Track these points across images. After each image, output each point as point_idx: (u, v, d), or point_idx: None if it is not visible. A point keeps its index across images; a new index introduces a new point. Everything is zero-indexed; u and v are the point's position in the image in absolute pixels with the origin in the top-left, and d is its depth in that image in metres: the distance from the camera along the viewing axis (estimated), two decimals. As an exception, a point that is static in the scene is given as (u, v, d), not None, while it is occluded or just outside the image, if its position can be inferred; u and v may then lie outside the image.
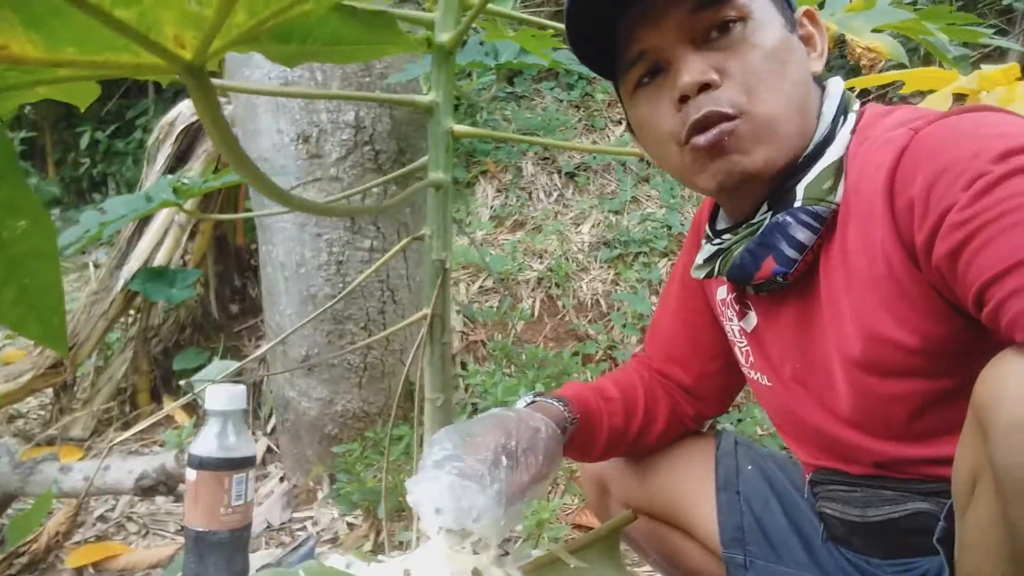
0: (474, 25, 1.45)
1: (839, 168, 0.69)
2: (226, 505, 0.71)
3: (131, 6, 0.28)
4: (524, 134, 3.45)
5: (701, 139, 0.69)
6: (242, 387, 0.75)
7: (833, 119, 0.71)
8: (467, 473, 0.67)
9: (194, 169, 2.45)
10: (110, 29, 0.29)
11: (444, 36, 1.00)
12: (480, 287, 2.60)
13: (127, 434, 1.85)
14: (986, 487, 0.50)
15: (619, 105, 3.30)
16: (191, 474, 0.72)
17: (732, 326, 0.86)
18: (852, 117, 0.72)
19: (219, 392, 0.73)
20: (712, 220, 0.82)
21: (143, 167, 2.60)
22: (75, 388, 2.32)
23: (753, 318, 0.81)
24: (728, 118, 0.68)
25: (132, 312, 2.43)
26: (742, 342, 0.85)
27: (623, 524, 0.89)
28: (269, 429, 2.26)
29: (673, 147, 0.72)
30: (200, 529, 0.71)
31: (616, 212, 3.01)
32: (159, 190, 1.50)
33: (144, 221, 2.42)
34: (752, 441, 1.02)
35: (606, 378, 0.96)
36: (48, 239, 0.35)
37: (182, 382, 2.33)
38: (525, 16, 1.13)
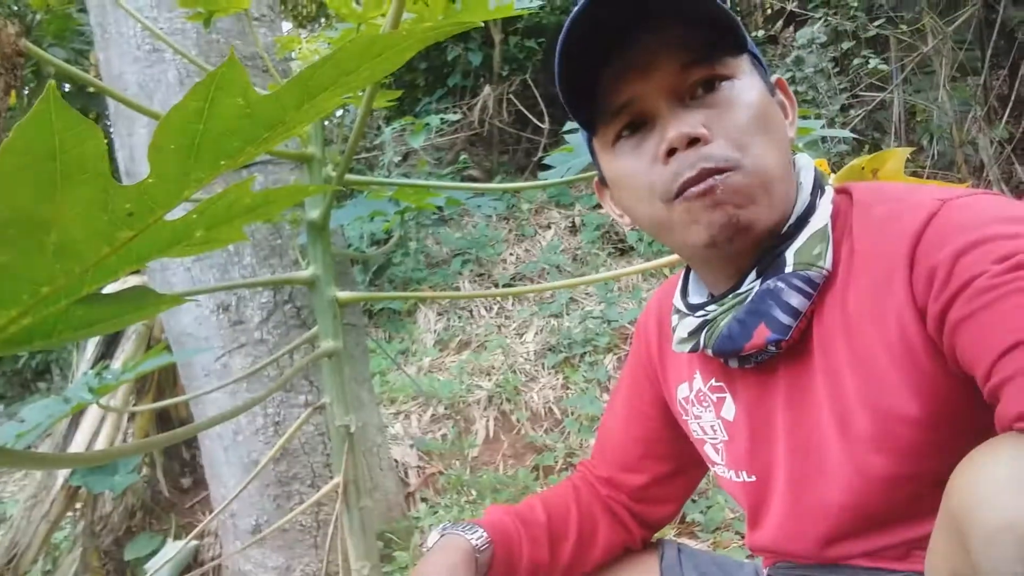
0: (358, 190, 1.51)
1: (824, 236, 0.68)
2: None
3: None
4: (457, 254, 3.53)
5: (696, 189, 0.66)
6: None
7: (812, 190, 0.71)
8: None
9: (126, 351, 2.44)
10: None
11: (314, 213, 1.04)
12: (431, 416, 2.58)
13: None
14: None
15: (544, 212, 3.35)
16: None
17: (702, 422, 0.83)
18: (829, 190, 0.72)
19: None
20: (683, 296, 0.80)
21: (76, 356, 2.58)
22: (21, 601, 2.20)
23: (732, 406, 0.79)
24: (720, 171, 0.66)
25: (78, 507, 2.34)
26: (715, 438, 0.82)
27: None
28: (232, 607, 2.15)
29: (657, 203, 0.70)
30: None
31: (556, 316, 3.06)
32: (76, 391, 1.49)
33: (78, 413, 2.38)
34: (695, 548, 1.00)
35: (537, 499, 0.93)
36: None
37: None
38: (391, 181, 1.19)
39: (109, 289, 0.40)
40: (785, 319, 0.69)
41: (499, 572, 0.84)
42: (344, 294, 1.06)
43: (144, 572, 2.22)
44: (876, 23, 3.15)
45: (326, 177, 1.06)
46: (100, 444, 2.33)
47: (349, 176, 1.06)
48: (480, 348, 2.95)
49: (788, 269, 0.69)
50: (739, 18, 0.73)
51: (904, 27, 3.07)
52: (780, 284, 0.69)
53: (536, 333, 2.99)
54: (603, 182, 0.80)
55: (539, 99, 3.92)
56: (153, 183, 0.28)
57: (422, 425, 2.56)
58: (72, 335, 0.38)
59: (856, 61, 3.15)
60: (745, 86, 0.69)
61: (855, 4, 3.12)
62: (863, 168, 1.09)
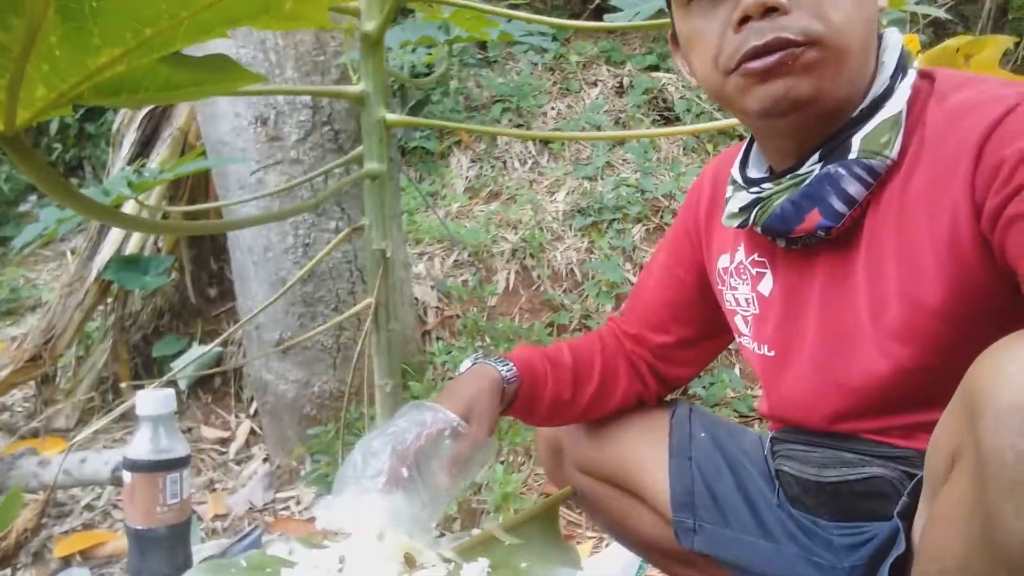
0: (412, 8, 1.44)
1: (896, 123, 0.66)
2: (162, 504, 0.74)
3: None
4: (497, 101, 3.42)
5: (756, 64, 0.65)
6: (171, 391, 0.77)
7: (893, 72, 0.68)
8: (360, 491, 0.71)
9: (161, 154, 2.44)
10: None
11: (370, 25, 0.99)
12: (455, 261, 2.61)
13: (107, 421, 1.88)
14: (965, 469, 0.50)
15: (593, 67, 3.22)
16: (127, 476, 0.75)
17: (738, 294, 0.84)
18: (912, 73, 0.69)
19: (148, 398, 0.75)
20: (743, 166, 0.79)
21: (111, 156, 2.59)
22: (57, 380, 2.34)
23: (770, 282, 0.80)
24: (795, 44, 0.63)
25: (109, 301, 2.44)
26: (747, 311, 0.83)
27: (561, 500, 0.92)
28: (252, 411, 2.29)
29: (718, 72, 0.68)
30: (139, 527, 0.74)
31: (591, 179, 3.00)
32: (116, 184, 1.50)
33: (116, 207, 2.42)
34: (707, 410, 1.04)
35: (565, 344, 0.96)
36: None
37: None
38: (455, 1, 1.12)
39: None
40: (840, 206, 0.68)
41: (523, 404, 0.88)
42: (392, 116, 1.03)
43: (170, 369, 2.34)
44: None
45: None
46: (131, 245, 2.39)
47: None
48: (510, 200, 2.93)
49: (852, 155, 0.67)
50: None
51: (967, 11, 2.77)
52: (841, 170, 0.67)
53: (567, 193, 2.95)
54: (675, 38, 0.77)
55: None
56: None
57: (444, 268, 2.59)
58: (155, 95, 0.37)
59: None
60: None
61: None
62: (956, 51, 1.02)
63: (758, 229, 0.74)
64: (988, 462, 0.47)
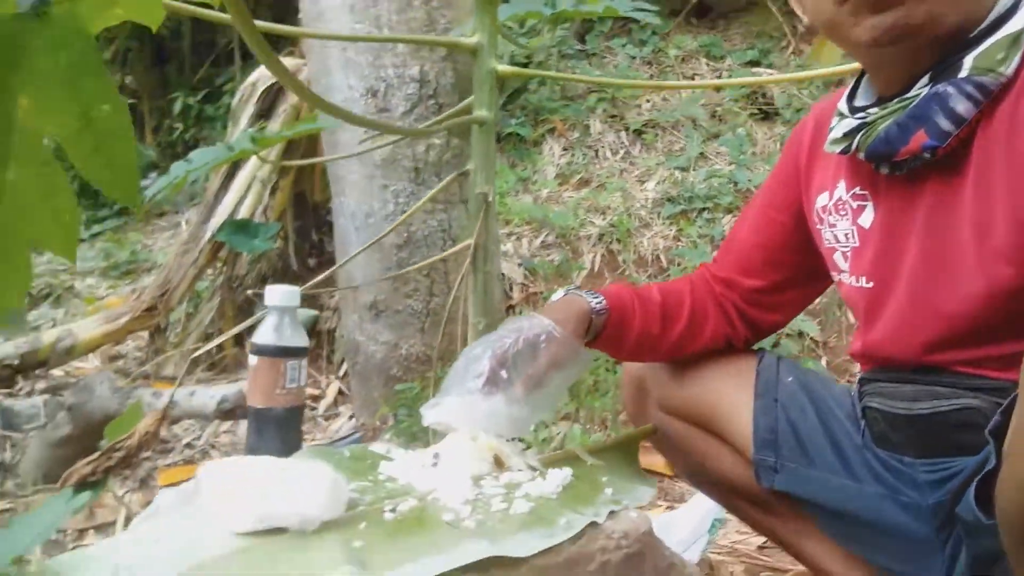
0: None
1: (1016, 40, 0.65)
2: (281, 387, 0.81)
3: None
4: (592, 91, 3.46)
5: None
6: (296, 288, 0.85)
7: None
8: (463, 392, 0.77)
9: (275, 127, 2.59)
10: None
11: (487, -21, 1.05)
12: (542, 242, 2.66)
13: (211, 374, 2.02)
14: None
15: (692, 61, 3.22)
16: (252, 360, 0.83)
17: (836, 230, 0.84)
18: None
19: (276, 290, 0.83)
20: (851, 97, 0.79)
21: (229, 129, 2.78)
22: (168, 332, 2.52)
23: (871, 213, 0.79)
24: None
25: (218, 264, 2.61)
26: (846, 245, 0.83)
27: (643, 436, 0.94)
28: (341, 373, 2.40)
29: (830, 3, 0.69)
30: (259, 407, 0.82)
31: (683, 169, 2.99)
32: (240, 141, 1.62)
33: (229, 178, 2.59)
34: (795, 360, 1.03)
35: (656, 285, 0.98)
36: (124, 119, 0.44)
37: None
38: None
39: None
40: (946, 125, 0.66)
41: (611, 336, 0.91)
42: (504, 67, 1.09)
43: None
44: None
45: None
46: (242, 213, 2.55)
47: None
48: (600, 188, 2.95)
49: (963, 74, 0.66)
50: None
51: None
52: (950, 89, 0.66)
53: (658, 183, 2.95)
54: None
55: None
56: None
57: (532, 248, 2.64)
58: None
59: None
60: None
61: None
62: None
63: (861, 155, 0.74)
64: None
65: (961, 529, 0.70)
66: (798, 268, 0.93)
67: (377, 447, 0.85)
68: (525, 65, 3.49)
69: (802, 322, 2.16)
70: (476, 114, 1.08)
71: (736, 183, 2.83)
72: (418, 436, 1.78)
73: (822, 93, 3.27)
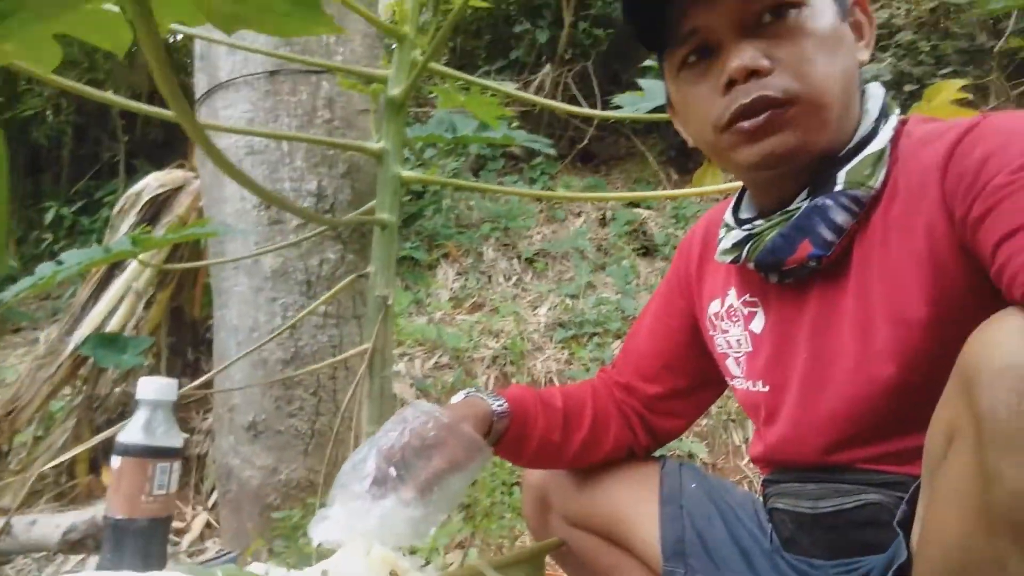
0: (432, 95, 1.55)
1: (880, 158, 0.71)
2: (147, 493, 0.71)
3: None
4: (486, 221, 3.57)
5: (747, 124, 0.70)
6: (174, 380, 0.76)
7: (876, 118, 0.73)
8: (349, 499, 0.71)
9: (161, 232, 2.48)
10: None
11: (395, 90, 1.08)
12: (435, 363, 2.61)
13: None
14: (963, 439, 0.51)
15: (577, 201, 3.39)
16: (116, 461, 0.73)
17: (729, 336, 0.86)
18: (893, 119, 0.74)
19: (150, 383, 0.74)
20: (735, 210, 0.83)
21: (105, 241, 2.63)
22: (10, 457, 2.24)
23: (762, 319, 0.82)
24: (778, 103, 0.69)
25: (78, 382, 2.38)
26: (739, 351, 0.85)
27: (549, 549, 0.89)
28: (210, 504, 2.19)
29: (712, 131, 0.73)
30: (120, 517, 0.71)
31: (573, 296, 3.09)
32: (118, 243, 1.53)
33: (101, 287, 2.42)
34: (696, 465, 1.02)
35: (558, 389, 0.97)
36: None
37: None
38: (471, 78, 1.23)
39: None
40: (828, 235, 0.71)
41: (512, 441, 0.88)
42: (407, 173, 1.09)
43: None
44: (942, 72, 3.18)
45: (413, 60, 1.09)
46: (114, 323, 2.38)
47: (433, 65, 1.10)
48: (493, 312, 2.98)
49: (838, 188, 0.71)
50: None
51: (970, 79, 3.10)
52: (828, 201, 0.71)
53: (550, 308, 3.02)
54: (671, 104, 0.84)
55: (596, 89, 3.96)
56: None
57: (425, 369, 2.59)
58: (252, 16, 0.41)
59: (915, 103, 3.19)
60: (814, 13, 0.70)
61: (926, 50, 3.15)
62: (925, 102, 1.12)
63: (751, 264, 0.78)
64: (985, 424, 0.48)
65: (877, 629, 0.69)
66: (695, 373, 0.95)
67: (255, 568, 0.76)
68: (420, 195, 3.58)
69: (691, 444, 2.19)
70: (379, 216, 1.07)
71: (623, 311, 2.94)
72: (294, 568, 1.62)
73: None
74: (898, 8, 3.70)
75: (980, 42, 3.55)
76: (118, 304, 2.38)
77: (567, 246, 3.43)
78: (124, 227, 2.52)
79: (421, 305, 3.07)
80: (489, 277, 3.23)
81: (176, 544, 2.03)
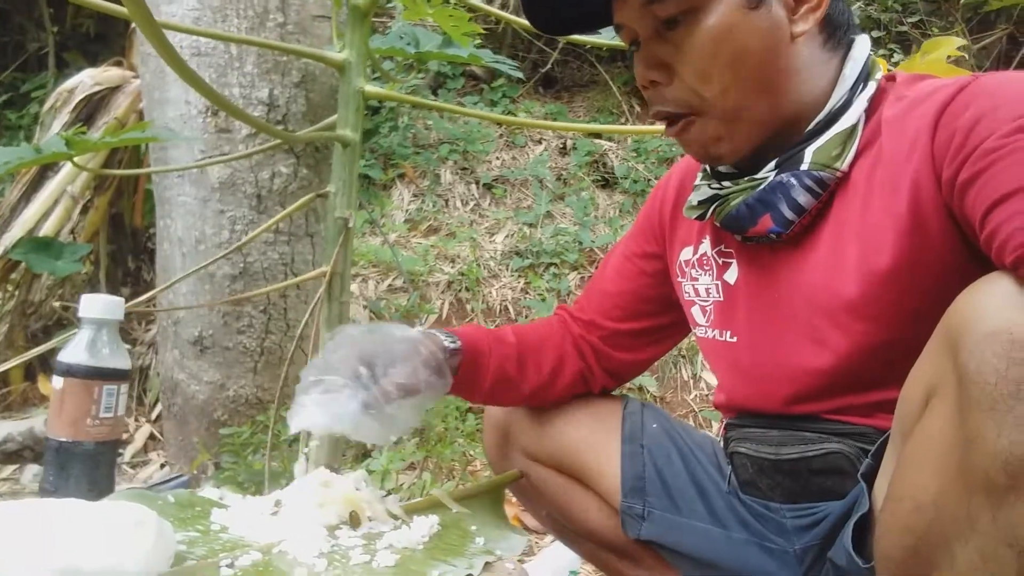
0: (391, 3, 1.45)
1: (850, 135, 0.70)
2: (93, 416, 0.67)
3: None
4: (444, 142, 3.47)
5: (668, 130, 0.73)
6: (120, 299, 0.71)
7: (852, 84, 0.71)
8: (329, 390, 0.70)
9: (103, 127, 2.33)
10: None
11: (362, -4, 1.00)
12: (389, 286, 2.57)
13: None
14: (943, 400, 0.51)
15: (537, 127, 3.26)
16: (57, 381, 0.68)
17: (698, 284, 0.86)
18: (872, 85, 0.72)
19: (94, 300, 0.69)
20: None
21: (35, 139, 2.46)
22: (-64, 361, 2.13)
23: (735, 271, 0.81)
24: (678, 117, 0.71)
25: (9, 287, 2.26)
26: (707, 300, 0.85)
27: (509, 481, 0.89)
28: (153, 416, 2.14)
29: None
30: (63, 439, 0.67)
31: (531, 225, 3.05)
32: (51, 144, 1.42)
33: (32, 189, 2.28)
34: (659, 407, 1.03)
35: (511, 327, 0.96)
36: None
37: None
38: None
39: None
40: (789, 214, 0.72)
41: (465, 378, 0.87)
42: (370, 88, 1.03)
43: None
44: (910, 20, 3.16)
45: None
46: (48, 227, 2.25)
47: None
48: (449, 236, 2.93)
49: (804, 166, 0.71)
50: None
51: (935, 31, 3.10)
52: (792, 180, 0.71)
53: (507, 236, 2.99)
54: None
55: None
56: None
57: (378, 291, 2.55)
58: None
59: (881, 52, 3.18)
60: (711, 15, 0.68)
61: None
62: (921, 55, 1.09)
63: (717, 223, 0.78)
64: (970, 386, 0.48)
65: (832, 573, 0.70)
66: (658, 317, 0.94)
67: (208, 492, 0.73)
68: (376, 111, 3.44)
69: (642, 377, 2.23)
70: (340, 133, 1.00)
71: (581, 242, 2.92)
72: (244, 487, 1.60)
73: (658, 167, 3.50)
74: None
75: (948, -8, 3.55)
76: (52, 207, 2.25)
77: (527, 174, 3.37)
78: (56, 126, 2.35)
79: (375, 225, 3.00)
80: (446, 201, 3.16)
81: (119, 456, 1.99)
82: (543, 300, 2.58)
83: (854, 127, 0.70)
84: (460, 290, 2.59)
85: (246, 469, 1.58)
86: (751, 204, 0.73)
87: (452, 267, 2.70)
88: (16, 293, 2.23)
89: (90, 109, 2.42)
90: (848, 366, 0.71)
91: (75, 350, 0.69)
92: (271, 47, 1.70)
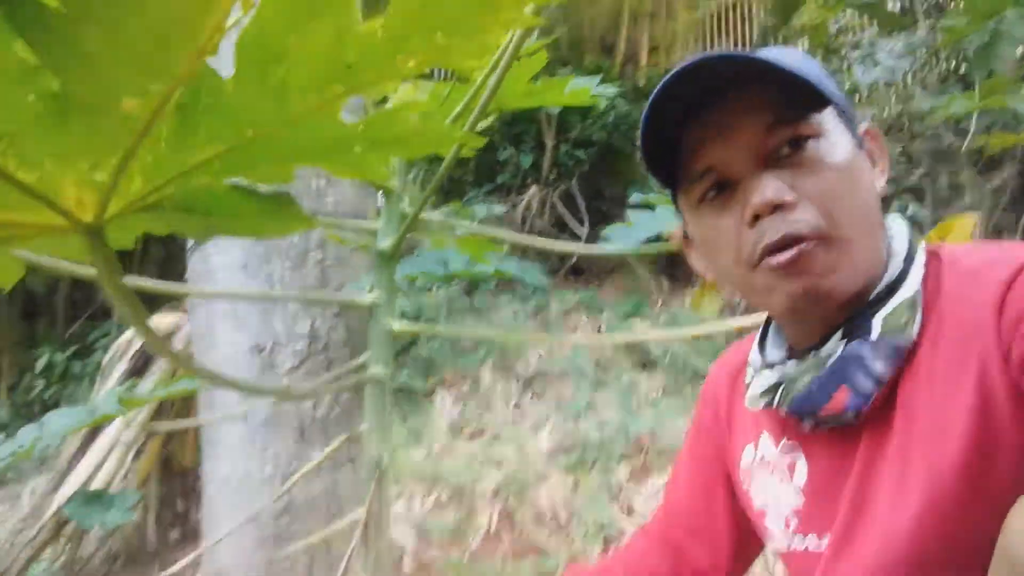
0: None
1: (913, 304, 0.67)
2: None
3: (33, 170, 0.32)
4: (482, 345, 3.54)
5: (778, 259, 0.66)
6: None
7: (904, 259, 0.69)
8: None
9: (147, 385, 2.43)
10: (15, 191, 0.32)
11: (385, 243, 1.07)
12: (436, 501, 2.51)
13: None
14: None
15: (572, 315, 3.37)
16: None
17: (769, 493, 0.80)
18: (921, 255, 0.70)
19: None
20: (760, 349, 0.78)
21: (96, 388, 2.58)
22: (-15, 631, 2.09)
23: (804, 467, 0.76)
24: (805, 239, 0.66)
25: (61, 541, 2.27)
26: (779, 507, 0.79)
27: None
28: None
29: (741, 267, 0.69)
30: None
31: (574, 418, 3.02)
32: (104, 403, 1.48)
33: (88, 441, 2.35)
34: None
35: (618, 561, 0.91)
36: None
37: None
38: (460, 223, 1.23)
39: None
40: (867, 386, 0.67)
41: None
42: (399, 326, 1.07)
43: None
44: (917, 171, 3.27)
45: (402, 212, 1.09)
46: (100, 480, 2.29)
47: (423, 216, 1.10)
48: (493, 439, 2.90)
49: (874, 336, 0.68)
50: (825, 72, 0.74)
51: (944, 180, 3.19)
52: (865, 350, 0.67)
53: (551, 432, 2.94)
54: (687, 237, 0.81)
55: (580, 207, 4.05)
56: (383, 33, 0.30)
57: (424, 509, 2.48)
58: (223, 222, 0.39)
59: (896, 204, 3.26)
60: (832, 144, 0.68)
61: (897, 151, 3.26)
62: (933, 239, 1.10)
63: (783, 411, 0.73)
64: None
65: None
66: (738, 535, 0.89)
67: None
68: (416, 319, 3.57)
69: None
70: (371, 371, 1.03)
71: (626, 430, 2.86)
72: None
73: (697, 345, 3.50)
74: (864, 115, 3.86)
75: (948, 142, 3.69)
76: (106, 457, 2.30)
77: (565, 364, 3.39)
78: (115, 375, 2.48)
79: (419, 436, 2.99)
80: (488, 402, 3.17)
81: None
82: (594, 500, 2.48)
83: (915, 296, 0.68)
84: (508, 497, 2.51)
85: None
86: (823, 380, 0.68)
87: (498, 471, 2.64)
88: (67, 548, 2.23)
89: (146, 357, 2.55)
90: (911, 564, 0.65)
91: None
92: (302, 300, 1.82)
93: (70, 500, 2.14)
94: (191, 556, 1.22)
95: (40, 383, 3.96)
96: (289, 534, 1.87)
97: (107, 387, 2.41)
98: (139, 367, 2.49)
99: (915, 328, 0.68)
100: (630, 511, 2.49)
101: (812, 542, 0.75)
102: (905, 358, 0.68)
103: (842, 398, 0.68)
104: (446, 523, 2.37)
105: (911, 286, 0.69)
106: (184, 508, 2.60)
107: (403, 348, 3.34)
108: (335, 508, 1.91)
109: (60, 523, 2.18)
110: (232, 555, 1.86)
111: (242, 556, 1.85)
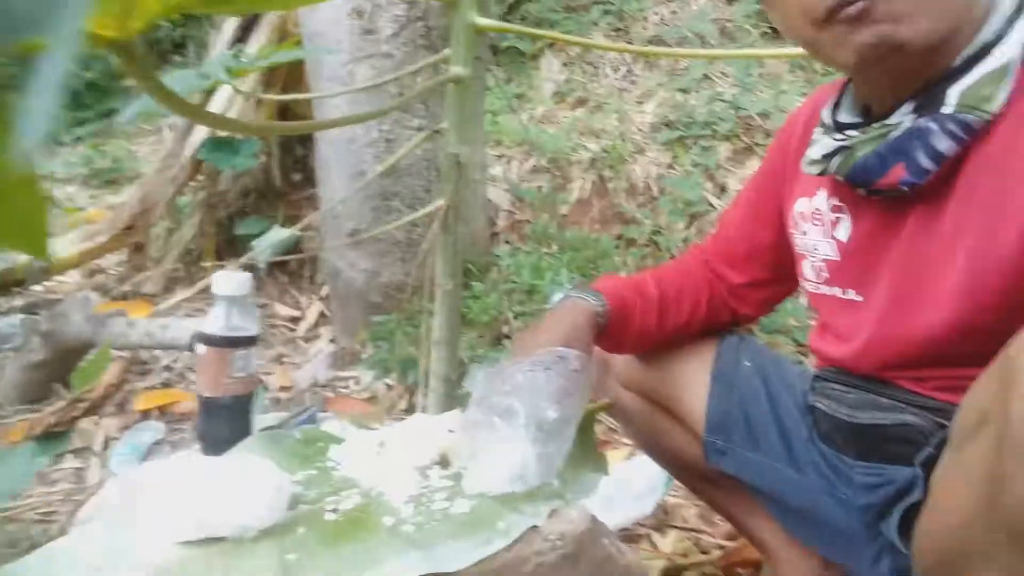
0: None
1: (1003, 74, 0.61)
2: (229, 376, 0.81)
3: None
4: (596, 2, 3.29)
5: (847, 11, 0.61)
6: (247, 274, 0.83)
7: (1009, 17, 0.62)
8: (502, 440, 0.69)
9: (259, 39, 2.48)
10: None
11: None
12: (533, 166, 2.60)
13: (191, 291, 2.02)
14: (990, 431, 0.50)
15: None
16: (200, 348, 0.82)
17: (807, 239, 0.82)
18: None
19: (225, 279, 0.81)
20: (834, 109, 0.76)
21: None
22: (148, 248, 2.50)
23: (848, 227, 0.77)
24: None
25: (200, 178, 2.56)
26: (816, 255, 0.81)
27: (599, 411, 0.95)
28: (323, 294, 2.40)
29: (808, 25, 0.65)
30: (206, 395, 0.82)
31: (684, 91, 2.89)
32: (214, 68, 1.55)
33: (210, 91, 2.50)
34: (757, 340, 1.03)
35: (653, 275, 0.97)
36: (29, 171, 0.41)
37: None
38: None
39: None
40: (926, 163, 0.64)
41: (612, 335, 0.90)
42: (483, 21, 1.02)
43: (251, 248, 2.47)
44: None
45: None
46: (225, 124, 2.48)
47: None
48: (596, 108, 2.86)
49: (947, 109, 0.62)
50: None
51: None
52: (932, 125, 0.63)
53: (658, 105, 2.86)
54: None
55: None
56: None
57: (521, 173, 2.59)
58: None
59: None
60: None
61: None
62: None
63: (839, 178, 0.72)
64: (1010, 429, 0.46)
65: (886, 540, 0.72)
66: (778, 269, 0.92)
67: (331, 424, 0.86)
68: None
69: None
70: (452, 71, 1.02)
71: (738, 108, 2.74)
72: (391, 369, 1.82)
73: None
74: None
75: None
76: (229, 107, 2.46)
77: (687, 30, 3.13)
78: (228, 25, 2.52)
79: (522, 100, 2.98)
80: (596, 68, 3.05)
81: (292, 330, 2.28)
82: (689, 176, 2.49)
83: (1006, 65, 0.61)
84: (603, 168, 2.56)
85: (394, 354, 1.78)
86: (882, 153, 0.66)
87: (596, 143, 2.65)
88: (205, 185, 2.52)
89: (247, 22, 2.55)
90: (946, 342, 0.68)
91: (212, 323, 0.83)
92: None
93: (202, 145, 2.36)
94: (308, 218, 1.37)
95: (165, 23, 4.09)
96: (391, 192, 2.03)
97: (221, 37, 2.47)
98: (250, 17, 2.51)
99: (997, 103, 0.61)
100: (723, 190, 2.50)
101: (846, 293, 0.78)
102: (978, 134, 0.62)
103: (897, 173, 0.66)
104: (540, 187, 2.49)
105: (1005, 52, 0.61)
106: (303, 153, 2.82)
107: (512, 5, 3.16)
108: (433, 173, 2.03)
109: (196, 164, 2.44)
110: (344, 206, 2.07)
111: (353, 207, 2.06)
